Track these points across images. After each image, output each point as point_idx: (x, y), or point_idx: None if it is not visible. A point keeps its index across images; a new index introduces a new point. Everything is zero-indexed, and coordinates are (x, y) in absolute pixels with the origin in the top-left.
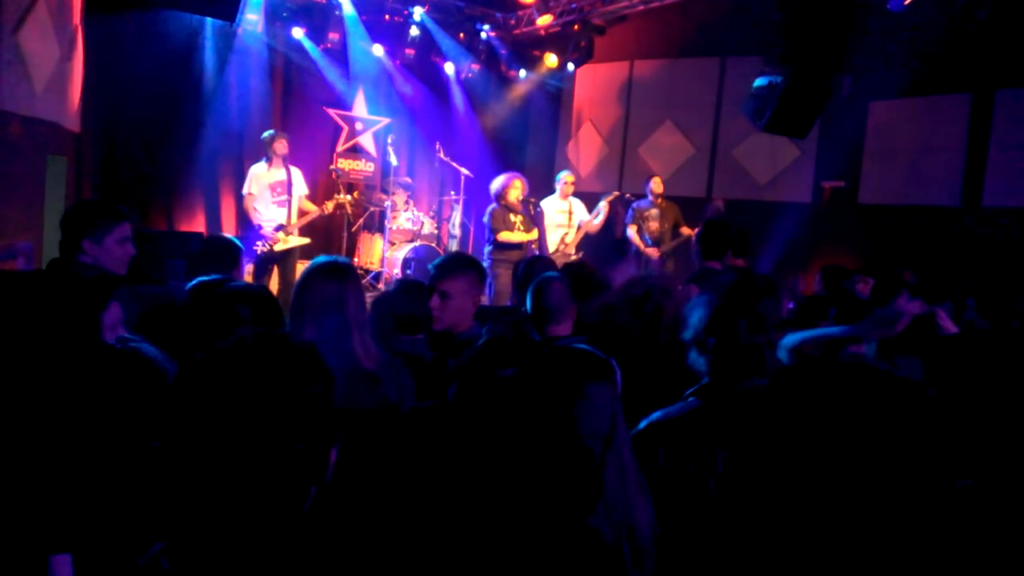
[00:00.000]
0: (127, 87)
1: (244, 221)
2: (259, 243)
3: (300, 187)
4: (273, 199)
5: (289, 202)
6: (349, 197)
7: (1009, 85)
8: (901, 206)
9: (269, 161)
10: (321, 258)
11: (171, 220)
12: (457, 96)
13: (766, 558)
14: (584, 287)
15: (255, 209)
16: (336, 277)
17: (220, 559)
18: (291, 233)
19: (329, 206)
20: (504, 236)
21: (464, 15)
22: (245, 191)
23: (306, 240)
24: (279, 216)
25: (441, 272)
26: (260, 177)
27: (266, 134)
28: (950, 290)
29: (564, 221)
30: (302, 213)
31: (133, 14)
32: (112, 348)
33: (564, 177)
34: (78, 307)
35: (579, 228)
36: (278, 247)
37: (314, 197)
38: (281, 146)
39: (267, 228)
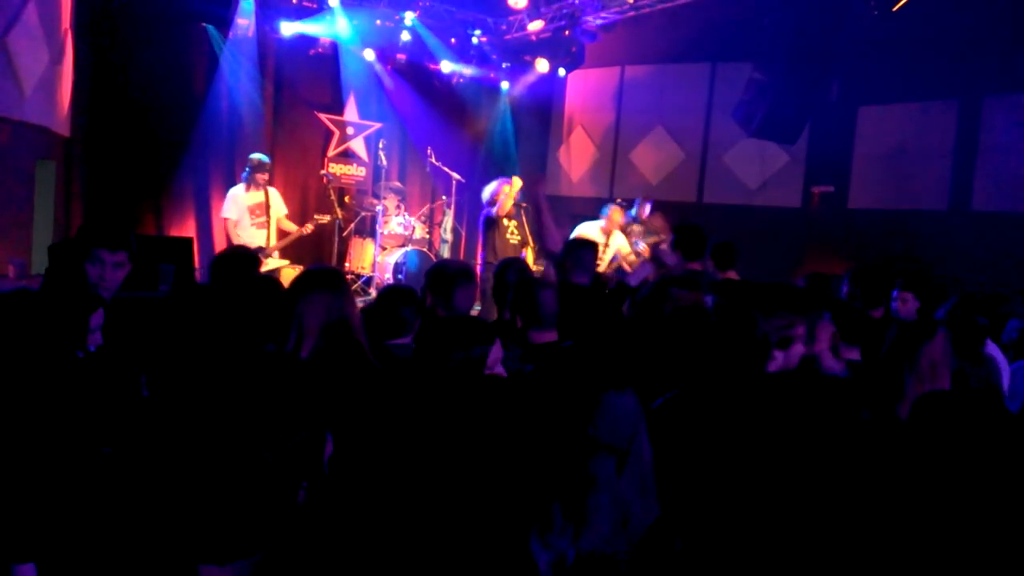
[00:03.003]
0: (117, 91)
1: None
2: None
3: (279, 208)
4: (252, 221)
5: (268, 224)
6: (328, 218)
7: (996, 92)
8: (890, 211)
9: (247, 184)
10: (312, 268)
11: (161, 225)
12: (448, 101)
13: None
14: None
15: (236, 234)
16: (332, 286)
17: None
18: (270, 255)
19: (308, 227)
20: (495, 210)
21: (455, 20)
22: (224, 214)
23: (285, 263)
24: (259, 238)
25: None
26: (239, 199)
27: (254, 157)
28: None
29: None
30: (282, 234)
31: (124, 17)
32: (82, 358)
33: (612, 214)
34: (67, 321)
35: (612, 261)
36: (262, 269)
37: (304, 202)
38: (263, 177)
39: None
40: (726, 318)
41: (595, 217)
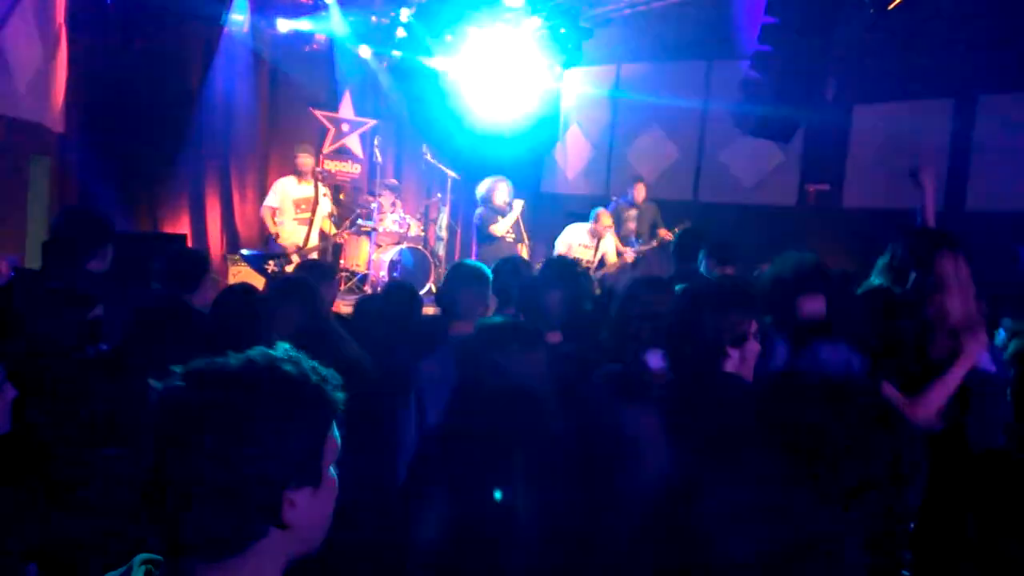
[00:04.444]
0: (112, 87)
1: (230, 230)
2: (271, 262)
3: (325, 206)
4: (295, 215)
5: (311, 221)
6: (369, 225)
7: (991, 91)
8: (885, 209)
9: (298, 176)
10: (280, 282)
11: (156, 221)
12: (444, 97)
13: None
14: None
15: (275, 222)
16: (301, 299)
17: None
18: (307, 255)
19: (343, 235)
20: (493, 228)
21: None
22: (267, 203)
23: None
24: (298, 234)
25: None
26: (284, 189)
27: (296, 147)
28: None
29: (588, 256)
30: (322, 235)
31: (118, 13)
32: (93, 356)
33: (600, 218)
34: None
35: (599, 268)
36: (289, 268)
37: None
38: (303, 161)
39: (285, 240)
40: (676, 319)
41: (588, 216)
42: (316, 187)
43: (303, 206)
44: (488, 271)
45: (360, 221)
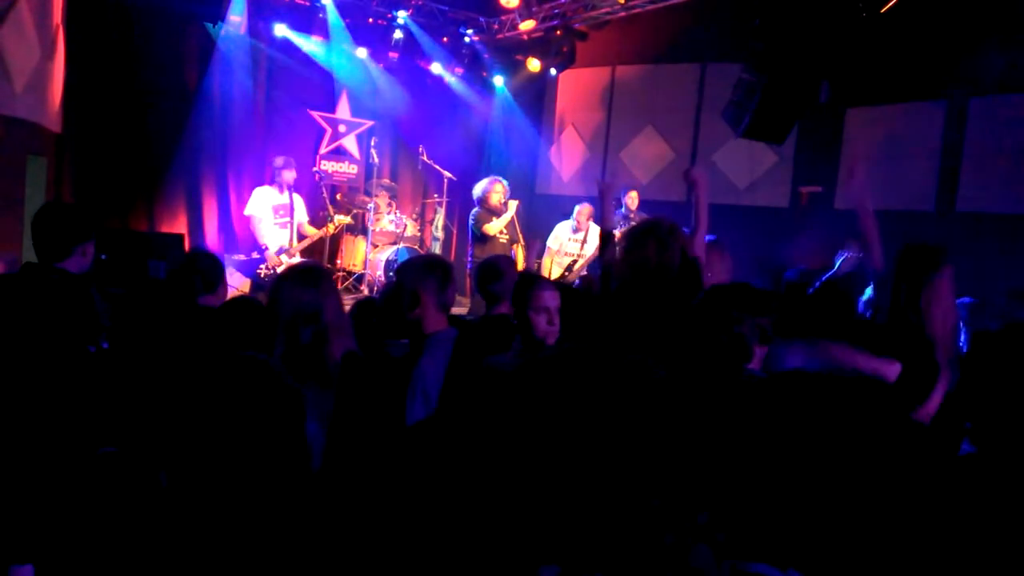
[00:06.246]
0: (109, 86)
1: (227, 230)
2: (262, 267)
3: (301, 213)
4: (276, 220)
5: (291, 224)
6: (349, 219)
7: (983, 93)
8: (877, 211)
9: (279, 187)
10: (294, 265)
11: (152, 221)
12: (440, 99)
13: None
14: None
15: (260, 231)
16: (311, 283)
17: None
18: (293, 256)
19: (330, 228)
20: (487, 228)
21: (448, 19)
22: (248, 212)
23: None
24: (281, 237)
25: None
26: (264, 198)
27: (278, 159)
28: None
29: (575, 250)
30: (301, 236)
31: (116, 13)
32: (94, 352)
33: (581, 211)
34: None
35: (588, 257)
36: (280, 269)
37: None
38: (290, 174)
39: (271, 249)
40: (707, 315)
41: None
42: (291, 196)
43: (281, 212)
44: (440, 262)
45: (339, 218)
